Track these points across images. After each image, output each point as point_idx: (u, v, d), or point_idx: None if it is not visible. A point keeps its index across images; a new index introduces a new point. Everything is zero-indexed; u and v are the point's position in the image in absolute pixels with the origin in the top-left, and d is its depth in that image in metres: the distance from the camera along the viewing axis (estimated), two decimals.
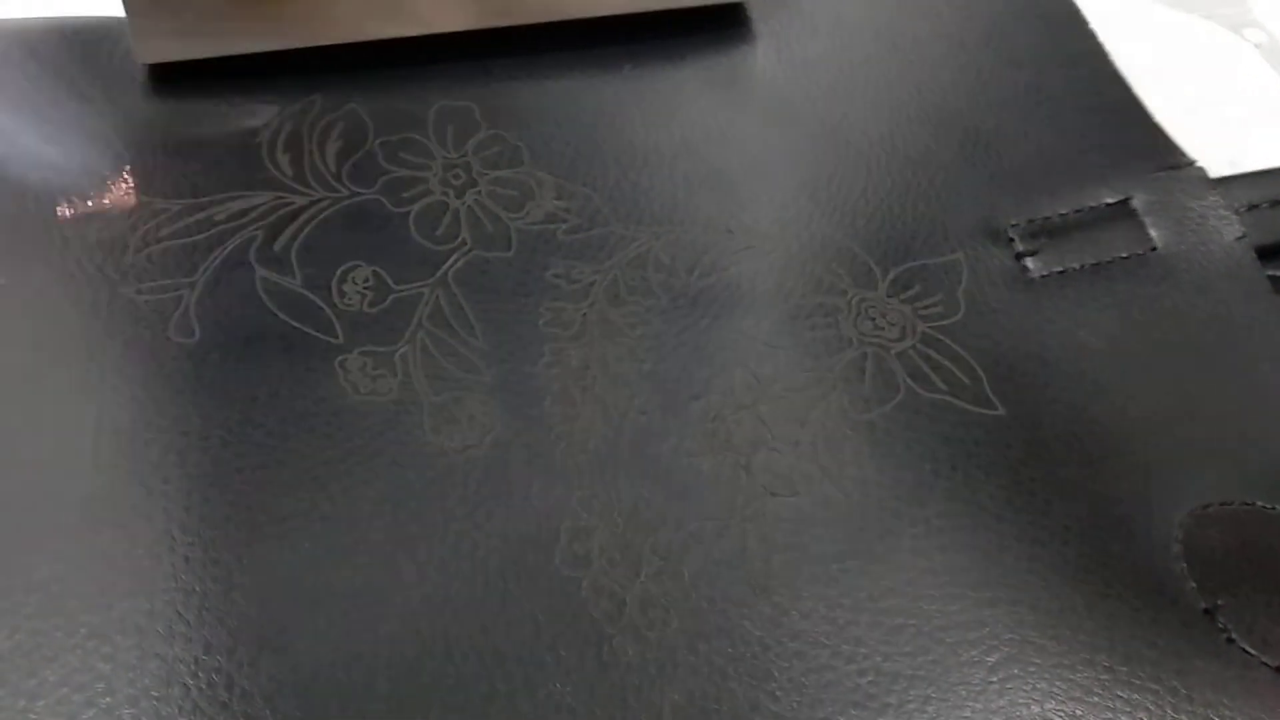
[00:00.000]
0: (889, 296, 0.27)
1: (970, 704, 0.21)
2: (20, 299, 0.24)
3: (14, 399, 0.23)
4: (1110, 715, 0.21)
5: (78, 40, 0.28)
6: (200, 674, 0.20)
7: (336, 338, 0.24)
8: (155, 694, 0.19)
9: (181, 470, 0.22)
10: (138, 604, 0.20)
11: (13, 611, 0.20)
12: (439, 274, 0.26)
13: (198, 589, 0.21)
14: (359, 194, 0.27)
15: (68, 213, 0.25)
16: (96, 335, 0.24)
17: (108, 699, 0.19)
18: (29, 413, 0.22)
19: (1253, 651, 0.22)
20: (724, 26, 0.32)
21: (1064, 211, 0.29)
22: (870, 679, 0.21)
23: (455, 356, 0.25)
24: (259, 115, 0.28)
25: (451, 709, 0.20)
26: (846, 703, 0.21)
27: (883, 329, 0.26)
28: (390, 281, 0.25)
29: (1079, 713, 0.21)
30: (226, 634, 0.20)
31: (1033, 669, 0.21)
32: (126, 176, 0.26)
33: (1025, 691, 0.21)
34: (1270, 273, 0.28)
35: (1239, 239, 0.28)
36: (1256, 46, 0.35)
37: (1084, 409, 0.25)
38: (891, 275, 0.27)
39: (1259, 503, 0.24)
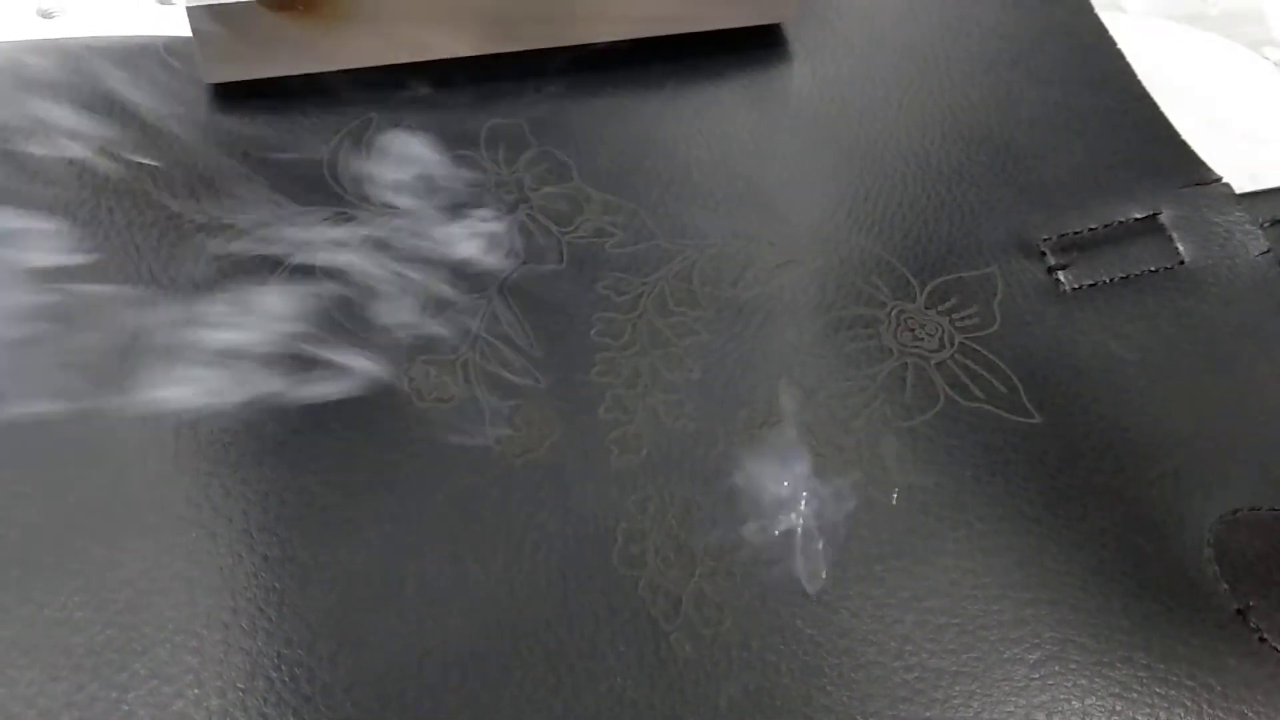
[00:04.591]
0: (927, 308, 0.28)
1: (1013, 699, 0.22)
2: (93, 307, 0.25)
3: (97, 406, 0.24)
4: (1149, 711, 0.22)
5: (146, 60, 0.29)
6: (283, 667, 0.21)
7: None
8: (241, 686, 0.20)
9: (258, 472, 0.23)
10: (222, 600, 0.21)
11: (103, 607, 0.21)
12: (495, 286, 0.27)
13: (277, 586, 0.22)
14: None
15: (140, 225, 0.26)
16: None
17: (196, 690, 0.20)
18: (111, 419, 0.23)
19: None
20: (762, 46, 0.33)
21: (1094, 226, 0.30)
22: (916, 675, 0.22)
23: (512, 365, 0.26)
24: (319, 133, 0.29)
25: (519, 701, 0.21)
26: (894, 698, 0.22)
27: (922, 340, 0.27)
28: (449, 293, 0.27)
29: (1119, 708, 0.22)
30: (306, 629, 0.21)
31: (1074, 666, 0.22)
32: (197, 190, 0.27)
33: (1067, 688, 0.22)
34: None
35: (1264, 253, 0.29)
36: (1276, 65, 0.36)
37: (1117, 417, 0.26)
38: (929, 288, 0.28)
39: None
